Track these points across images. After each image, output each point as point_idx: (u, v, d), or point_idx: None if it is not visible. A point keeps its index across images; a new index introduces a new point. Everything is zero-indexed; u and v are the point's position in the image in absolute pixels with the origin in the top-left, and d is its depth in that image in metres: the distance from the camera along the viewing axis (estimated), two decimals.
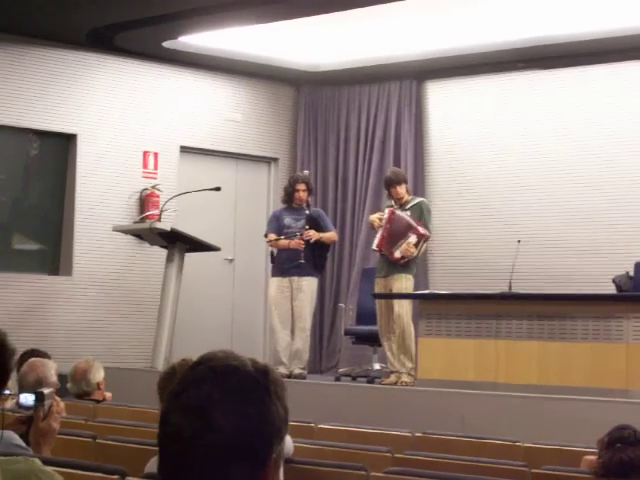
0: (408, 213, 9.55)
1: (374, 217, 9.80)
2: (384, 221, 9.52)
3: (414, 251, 9.41)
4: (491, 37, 10.92)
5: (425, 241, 9.52)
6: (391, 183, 9.70)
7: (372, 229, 9.91)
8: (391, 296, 9.52)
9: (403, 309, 9.37)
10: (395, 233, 9.44)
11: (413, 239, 9.41)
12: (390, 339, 9.44)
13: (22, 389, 4.92)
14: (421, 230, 9.43)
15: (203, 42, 11.26)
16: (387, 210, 9.64)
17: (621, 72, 10.81)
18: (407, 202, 9.66)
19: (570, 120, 11.05)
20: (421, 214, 9.57)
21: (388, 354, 9.49)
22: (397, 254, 9.41)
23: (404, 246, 9.38)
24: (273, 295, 10.21)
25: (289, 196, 10.21)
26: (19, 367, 5.69)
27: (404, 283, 9.46)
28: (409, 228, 9.43)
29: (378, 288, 9.65)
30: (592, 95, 10.95)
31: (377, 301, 9.61)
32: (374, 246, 9.70)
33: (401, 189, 9.63)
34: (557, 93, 11.17)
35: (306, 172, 11.00)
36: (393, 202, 9.69)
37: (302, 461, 4.85)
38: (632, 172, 10.63)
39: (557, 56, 10.98)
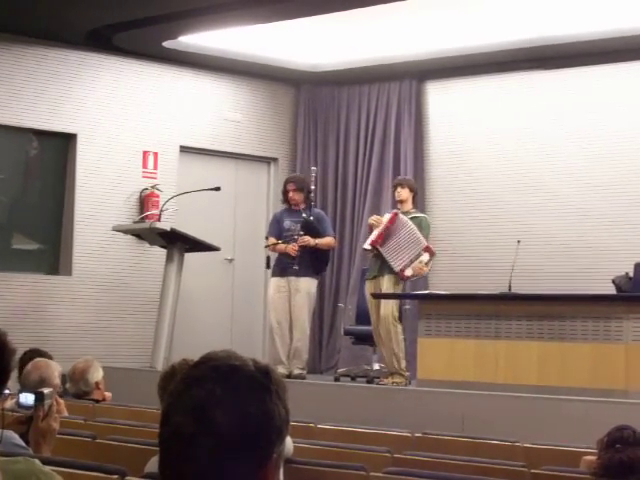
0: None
1: (373, 219, 9.77)
2: (385, 221, 9.49)
3: (427, 270, 9.44)
4: (491, 37, 10.91)
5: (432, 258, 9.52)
6: (396, 184, 9.82)
7: (369, 231, 9.86)
8: (390, 296, 9.51)
9: (388, 310, 9.36)
10: (394, 234, 9.40)
11: (426, 257, 9.36)
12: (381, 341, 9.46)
13: (24, 387, 4.92)
14: (432, 248, 9.43)
15: (203, 42, 11.25)
16: (391, 212, 9.64)
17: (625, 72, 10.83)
18: (408, 213, 9.64)
19: (571, 120, 11.04)
20: (420, 228, 9.50)
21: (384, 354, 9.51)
22: (408, 272, 9.32)
23: (416, 264, 9.30)
24: (271, 295, 10.24)
25: (285, 197, 10.27)
26: (20, 367, 5.69)
27: (393, 283, 9.41)
28: (418, 243, 9.38)
29: (368, 290, 9.64)
30: (594, 95, 10.94)
31: (370, 303, 9.58)
32: (366, 245, 9.67)
33: (403, 190, 9.64)
34: (558, 93, 11.16)
35: (313, 168, 11.04)
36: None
37: (302, 461, 4.85)
38: (633, 173, 10.63)
39: (558, 56, 10.98)
